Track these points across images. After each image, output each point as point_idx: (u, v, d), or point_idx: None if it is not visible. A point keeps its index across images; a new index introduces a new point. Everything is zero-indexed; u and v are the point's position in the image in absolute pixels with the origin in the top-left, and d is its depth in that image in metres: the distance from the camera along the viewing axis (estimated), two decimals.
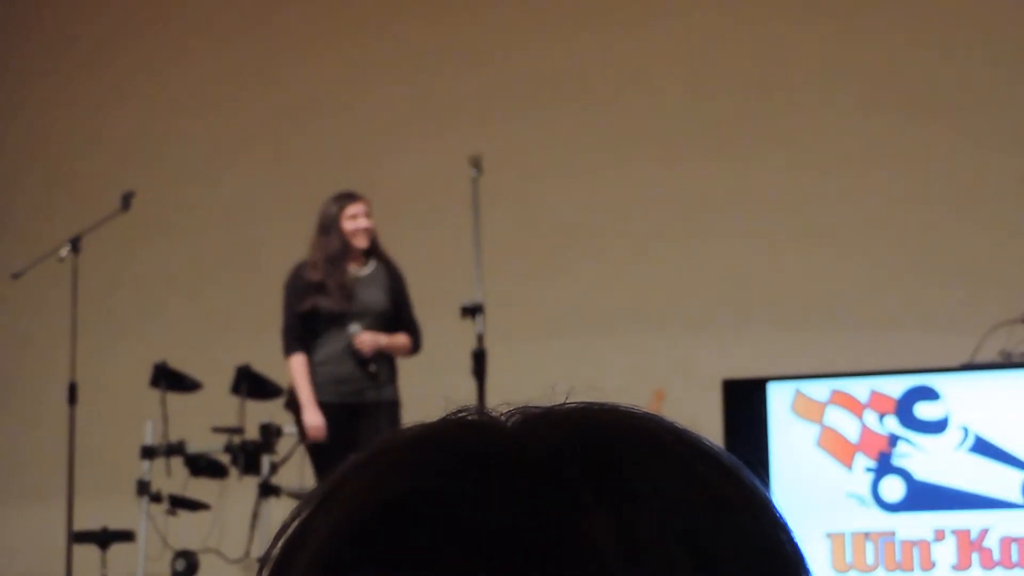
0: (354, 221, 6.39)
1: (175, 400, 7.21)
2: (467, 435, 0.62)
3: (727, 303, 8.05)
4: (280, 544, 0.61)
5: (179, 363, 7.33)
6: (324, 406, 6.20)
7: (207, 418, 7.07)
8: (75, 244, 7.11)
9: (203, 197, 9.03)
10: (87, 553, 7.15)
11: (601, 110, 8.41)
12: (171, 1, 9.27)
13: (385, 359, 6.31)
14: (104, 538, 7.19)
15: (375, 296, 6.35)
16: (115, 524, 7.21)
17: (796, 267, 7.97)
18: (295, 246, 8.76)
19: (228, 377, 7.13)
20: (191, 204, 9.03)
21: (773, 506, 0.64)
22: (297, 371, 6.29)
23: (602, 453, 0.61)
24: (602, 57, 8.46)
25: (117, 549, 7.22)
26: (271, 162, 8.94)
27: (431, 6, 8.78)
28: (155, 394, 7.19)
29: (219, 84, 9.09)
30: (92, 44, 9.40)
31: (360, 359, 6.26)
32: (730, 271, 8.07)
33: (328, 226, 6.42)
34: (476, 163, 6.52)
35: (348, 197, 6.47)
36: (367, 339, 6.24)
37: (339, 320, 6.28)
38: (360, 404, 6.21)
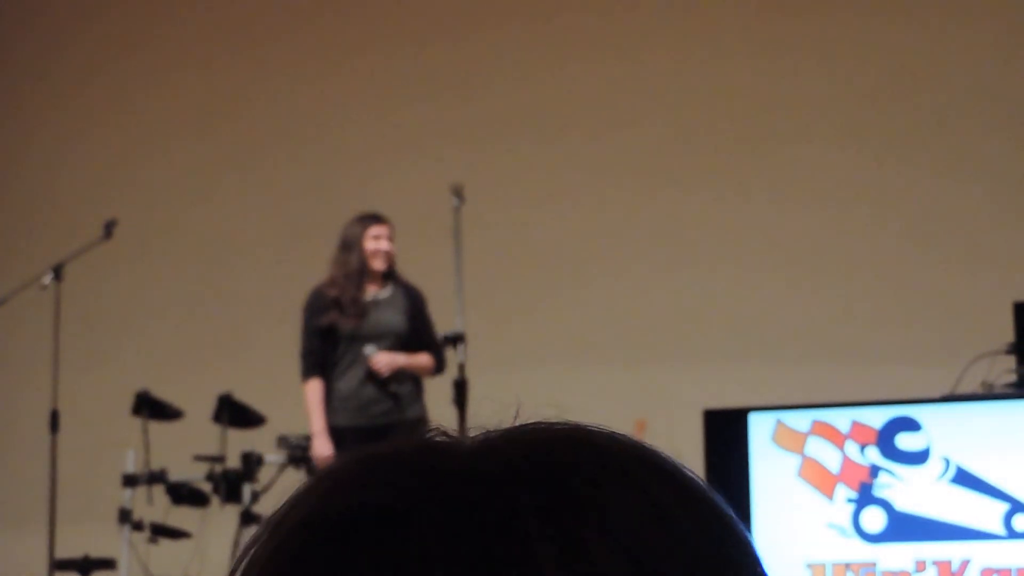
0: (376, 242, 6.40)
1: (157, 428, 7.20)
2: (423, 455, 0.63)
3: (709, 334, 8.06)
4: (239, 568, 0.61)
5: (161, 391, 7.32)
6: (349, 430, 6.20)
7: (189, 446, 7.05)
8: (57, 272, 7.10)
9: (185, 225, 9.03)
10: None
11: (583, 141, 8.44)
12: (151, 28, 9.28)
13: (407, 379, 6.30)
14: (86, 566, 7.16)
15: (392, 318, 6.33)
16: (97, 552, 7.18)
17: (777, 298, 7.99)
18: (277, 274, 8.77)
19: (210, 405, 7.12)
20: (173, 232, 9.03)
21: (736, 531, 0.63)
22: (310, 398, 6.30)
23: (553, 471, 0.61)
24: (584, 89, 8.50)
25: None
26: (253, 190, 8.94)
27: (413, 36, 8.81)
28: (137, 422, 7.18)
29: (200, 112, 9.09)
30: (72, 71, 9.40)
31: (380, 380, 6.25)
32: (711, 302, 8.09)
33: (350, 245, 6.43)
34: (458, 192, 6.54)
35: (373, 219, 6.48)
36: (383, 359, 6.23)
37: (356, 341, 6.28)
38: (386, 426, 6.20)
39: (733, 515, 0.65)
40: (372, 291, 6.39)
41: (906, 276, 7.88)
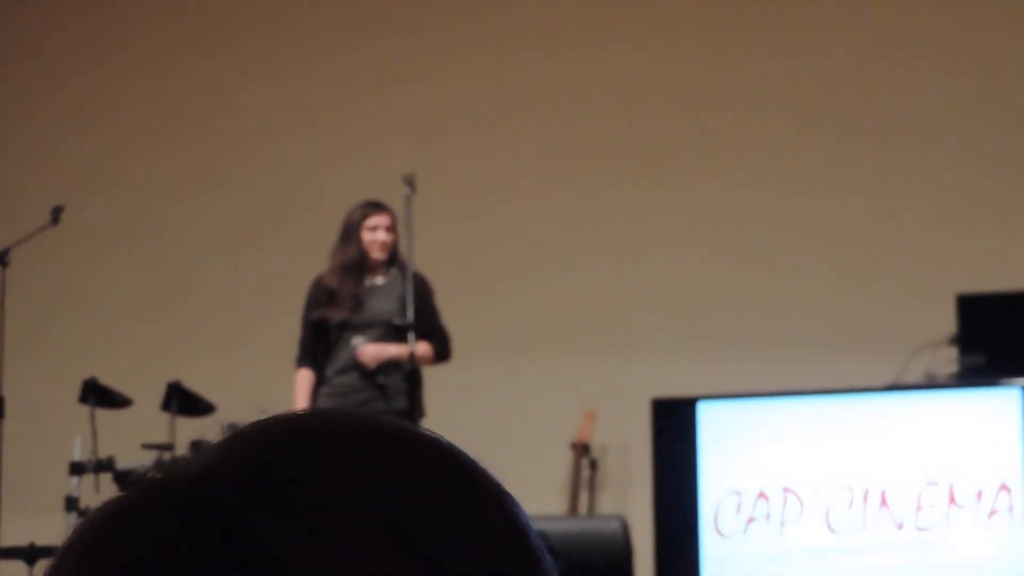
0: (373, 233, 6.36)
1: (104, 416, 7.17)
2: (144, 500, 0.63)
3: (657, 324, 8.11)
4: None
5: (108, 379, 7.28)
6: None
7: (137, 434, 7.03)
8: (3, 257, 7.05)
9: (134, 212, 8.99)
10: (14, 569, 7.08)
11: (532, 131, 8.46)
12: (111, 29, 9.22)
13: (397, 369, 6.27)
14: (31, 554, 7.12)
15: (386, 306, 6.30)
16: (43, 540, 7.14)
17: (724, 289, 8.04)
18: (227, 262, 8.75)
19: (158, 393, 7.10)
20: (122, 219, 8.99)
21: (471, 470, 0.64)
22: (297, 388, 6.33)
23: (274, 474, 0.62)
24: (536, 78, 8.52)
25: (44, 565, 7.15)
26: (203, 179, 8.91)
27: (363, 26, 8.80)
28: (84, 410, 7.14)
29: (156, 104, 9.05)
30: (34, 66, 9.34)
31: (367, 371, 6.24)
32: (660, 292, 8.13)
33: (349, 234, 6.40)
34: (410, 182, 6.54)
35: (373, 207, 6.43)
36: (369, 351, 6.21)
37: (347, 331, 6.27)
38: None
39: (456, 450, 0.66)
40: (370, 278, 6.37)
41: (852, 266, 7.95)
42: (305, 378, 6.34)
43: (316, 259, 6.77)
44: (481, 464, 0.66)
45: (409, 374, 6.22)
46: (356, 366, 6.25)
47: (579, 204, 8.32)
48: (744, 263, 8.06)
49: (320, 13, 8.88)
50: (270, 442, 0.64)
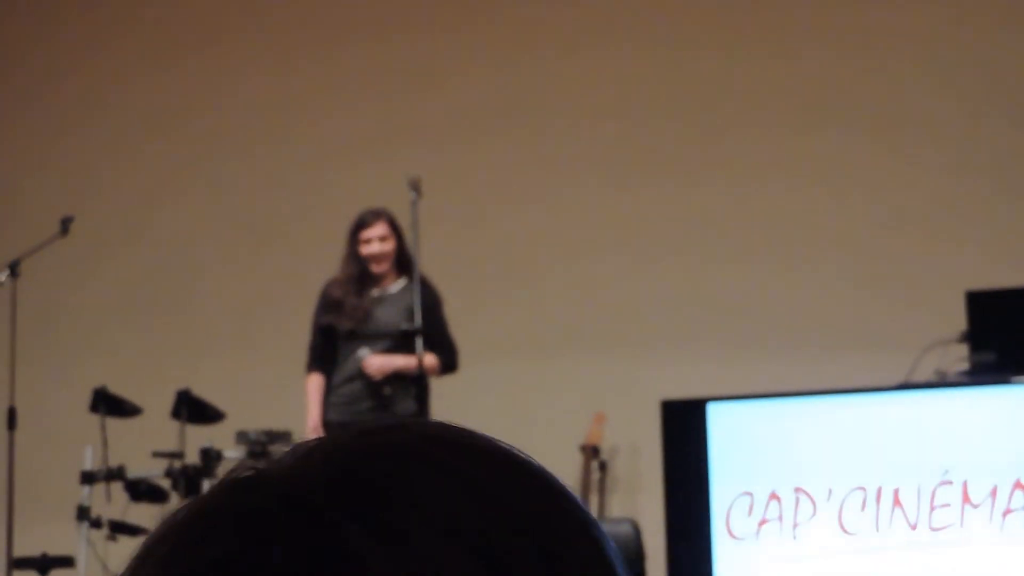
0: (368, 246, 6.37)
1: (115, 425, 7.18)
2: (238, 498, 0.63)
3: (666, 325, 8.10)
4: None
5: (119, 388, 7.29)
6: (338, 426, 6.22)
7: (147, 443, 7.04)
8: (14, 268, 7.07)
9: (143, 222, 9.00)
10: None
11: (538, 134, 8.46)
12: (111, 29, 9.24)
13: (402, 380, 6.27)
14: (44, 564, 7.13)
15: (393, 317, 6.30)
16: (55, 550, 7.15)
17: (733, 289, 8.03)
18: (235, 270, 8.75)
19: (168, 401, 7.11)
20: (131, 228, 8.99)
21: (561, 495, 0.65)
22: (308, 392, 6.38)
23: (362, 480, 0.62)
24: (540, 82, 8.51)
25: (57, 575, 7.16)
26: (211, 187, 8.92)
27: (369, 31, 8.80)
28: (95, 419, 7.15)
29: (160, 109, 9.06)
30: (33, 70, 9.35)
31: (372, 382, 6.26)
32: (669, 293, 8.12)
33: (349, 249, 6.41)
34: (415, 186, 6.54)
35: (360, 223, 6.42)
36: (375, 363, 6.24)
37: (354, 340, 6.29)
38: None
39: (547, 472, 0.66)
40: (379, 288, 6.39)
41: (861, 265, 7.94)
42: (316, 382, 6.37)
43: (323, 264, 6.77)
44: (571, 490, 0.66)
45: (416, 379, 6.23)
46: (361, 376, 6.27)
47: (586, 207, 8.31)
48: (752, 263, 8.05)
49: (326, 17, 8.88)
50: (365, 451, 0.64)
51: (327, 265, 6.64)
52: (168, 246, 8.92)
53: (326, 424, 6.33)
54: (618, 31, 8.43)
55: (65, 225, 7.14)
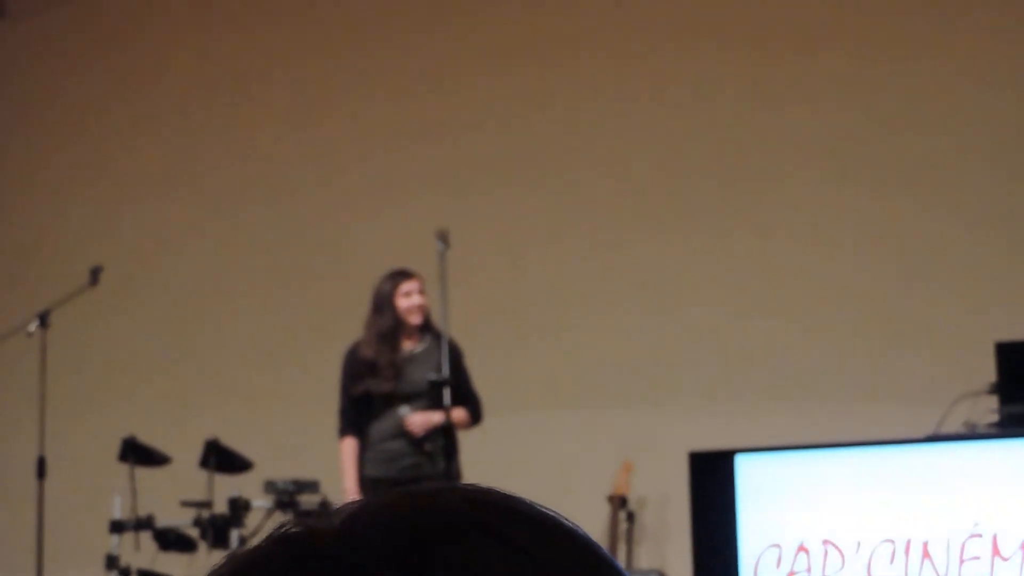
0: (408, 299, 6.45)
1: (144, 474, 7.20)
2: (290, 554, 0.64)
3: (695, 376, 8.09)
4: None
5: (148, 437, 7.32)
6: (380, 481, 6.28)
7: (176, 492, 7.05)
8: (43, 319, 7.12)
9: (170, 271, 9.05)
10: None
11: (566, 186, 8.48)
12: (136, 75, 9.32)
13: (441, 435, 6.34)
14: None
15: (427, 375, 6.39)
16: None
17: (763, 340, 8.02)
18: (263, 319, 8.79)
19: (196, 451, 7.12)
20: (159, 278, 9.04)
21: (595, 552, 0.66)
22: (344, 456, 6.43)
23: (413, 542, 0.63)
24: (569, 133, 8.54)
25: None
26: (238, 236, 8.97)
27: (397, 81, 8.86)
28: (124, 468, 7.18)
29: (186, 158, 9.13)
30: (59, 119, 9.43)
31: (414, 439, 6.33)
32: (698, 344, 8.11)
33: (381, 304, 6.48)
34: (443, 237, 6.58)
35: (402, 275, 6.53)
36: (417, 420, 6.30)
37: (391, 400, 6.35)
38: (414, 479, 6.26)
39: (593, 541, 0.67)
40: (408, 346, 6.45)
41: (890, 316, 7.92)
42: (350, 446, 6.42)
43: (349, 313, 6.80)
44: (615, 560, 0.67)
45: (446, 430, 6.29)
46: (404, 433, 6.33)
47: (614, 257, 8.32)
48: (780, 315, 8.04)
49: (351, 68, 8.94)
50: (414, 513, 0.65)
51: (354, 314, 6.67)
52: (194, 296, 8.96)
53: (366, 479, 6.36)
54: (650, 82, 8.46)
55: (95, 275, 7.19)
